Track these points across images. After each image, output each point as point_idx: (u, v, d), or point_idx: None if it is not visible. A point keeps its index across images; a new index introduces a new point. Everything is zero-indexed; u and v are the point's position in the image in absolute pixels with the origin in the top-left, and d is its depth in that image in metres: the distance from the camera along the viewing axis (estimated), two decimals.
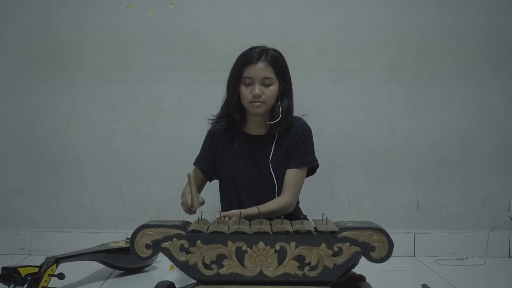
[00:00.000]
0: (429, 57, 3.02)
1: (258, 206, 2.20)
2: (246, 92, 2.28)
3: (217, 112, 2.40)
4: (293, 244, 1.90)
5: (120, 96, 3.02)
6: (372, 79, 3.02)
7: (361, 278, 2.21)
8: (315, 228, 1.95)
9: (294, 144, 2.35)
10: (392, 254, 1.92)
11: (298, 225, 1.94)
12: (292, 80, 2.39)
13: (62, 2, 2.99)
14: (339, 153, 3.02)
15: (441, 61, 3.02)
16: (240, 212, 2.09)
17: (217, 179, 2.46)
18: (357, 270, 2.19)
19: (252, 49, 2.31)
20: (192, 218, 2.12)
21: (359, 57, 3.02)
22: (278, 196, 2.32)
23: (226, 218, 2.08)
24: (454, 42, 3.02)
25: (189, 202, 2.15)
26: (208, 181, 2.48)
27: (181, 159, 2.99)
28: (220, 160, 2.38)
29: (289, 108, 2.34)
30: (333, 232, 1.91)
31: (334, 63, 3.02)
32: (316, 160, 2.40)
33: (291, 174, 2.33)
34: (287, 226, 1.94)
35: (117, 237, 2.91)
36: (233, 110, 2.33)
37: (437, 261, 2.91)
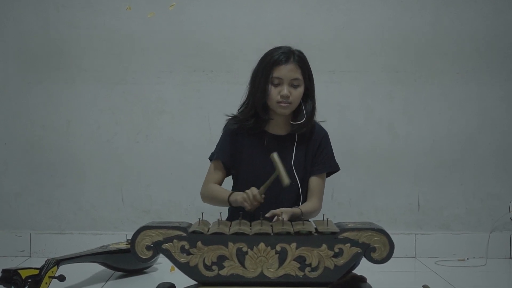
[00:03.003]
0: (429, 58, 3.03)
1: (300, 207, 2.22)
2: (274, 93, 2.26)
3: (239, 111, 2.35)
4: (293, 245, 1.89)
5: (120, 97, 3.02)
6: (372, 80, 3.02)
7: (362, 279, 2.20)
8: (315, 229, 1.95)
9: (316, 149, 2.36)
10: (393, 255, 1.92)
11: (298, 226, 1.94)
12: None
13: (61, 4, 2.99)
14: (339, 154, 2.99)
15: (440, 62, 3.03)
16: (301, 210, 2.17)
17: (233, 174, 2.44)
18: (358, 271, 2.19)
19: (277, 49, 2.29)
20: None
21: (359, 58, 3.02)
22: (299, 197, 2.33)
23: (279, 217, 2.07)
24: (453, 44, 3.02)
25: (256, 193, 2.13)
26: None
27: (181, 160, 2.99)
28: (237, 157, 2.36)
29: (313, 110, 2.35)
30: (334, 233, 1.91)
31: (334, 64, 3.02)
32: (338, 165, 2.41)
33: (317, 181, 2.35)
34: (287, 227, 1.94)
35: (118, 239, 2.90)
36: (261, 110, 2.31)
37: (438, 262, 2.91)
